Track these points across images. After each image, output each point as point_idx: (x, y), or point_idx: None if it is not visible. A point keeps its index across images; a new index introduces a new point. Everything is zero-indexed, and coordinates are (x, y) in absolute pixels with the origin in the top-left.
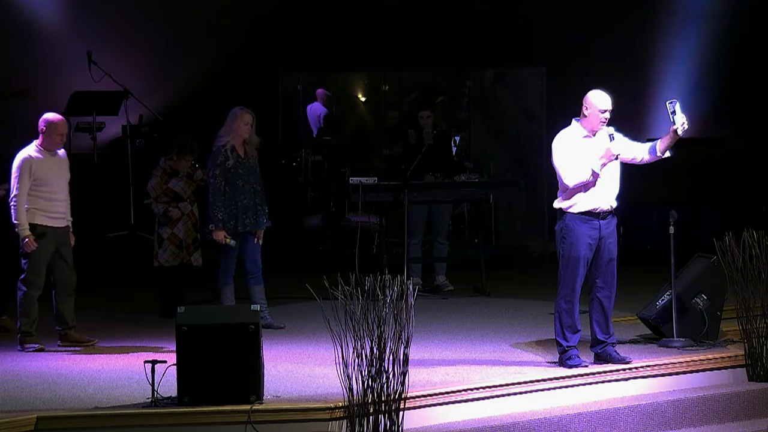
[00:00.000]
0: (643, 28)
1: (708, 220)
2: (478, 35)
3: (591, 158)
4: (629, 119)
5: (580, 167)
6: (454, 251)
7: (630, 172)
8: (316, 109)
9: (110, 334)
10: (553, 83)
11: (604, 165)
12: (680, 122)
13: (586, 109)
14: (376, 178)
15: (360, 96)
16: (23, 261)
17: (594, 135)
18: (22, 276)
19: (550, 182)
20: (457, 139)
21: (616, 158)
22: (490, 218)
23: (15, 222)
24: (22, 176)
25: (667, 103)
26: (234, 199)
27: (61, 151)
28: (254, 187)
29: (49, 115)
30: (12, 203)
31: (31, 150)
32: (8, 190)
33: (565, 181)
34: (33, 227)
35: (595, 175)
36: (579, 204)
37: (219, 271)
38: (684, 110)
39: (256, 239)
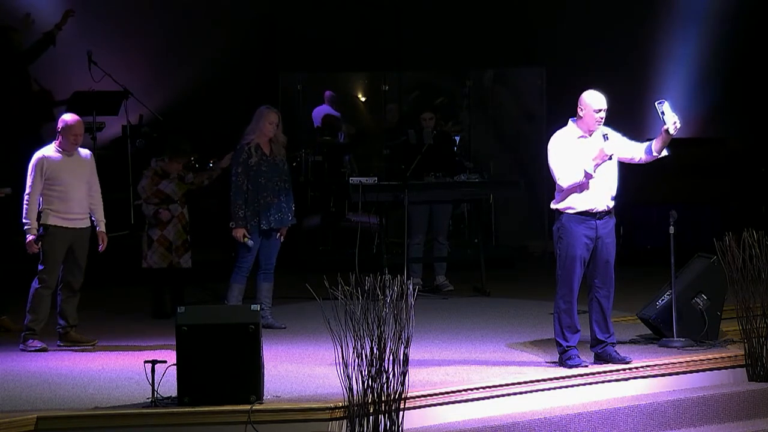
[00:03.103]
0: (643, 28)
1: (708, 220)
2: (478, 35)
3: (587, 158)
4: (629, 119)
5: (573, 168)
6: (454, 251)
7: (630, 171)
8: (322, 112)
9: (110, 334)
10: (553, 83)
11: (597, 166)
12: (671, 122)
13: (581, 109)
14: (376, 178)
15: (360, 96)
16: (40, 259)
17: (590, 135)
18: (39, 273)
19: (550, 182)
20: (457, 139)
21: (610, 158)
22: (490, 218)
23: (24, 221)
24: (35, 175)
25: (656, 104)
26: (257, 196)
27: (85, 152)
28: (279, 184)
29: (66, 116)
30: (24, 201)
31: (47, 150)
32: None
33: (559, 182)
34: (45, 228)
35: (588, 176)
36: (575, 204)
37: (234, 266)
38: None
39: (279, 235)
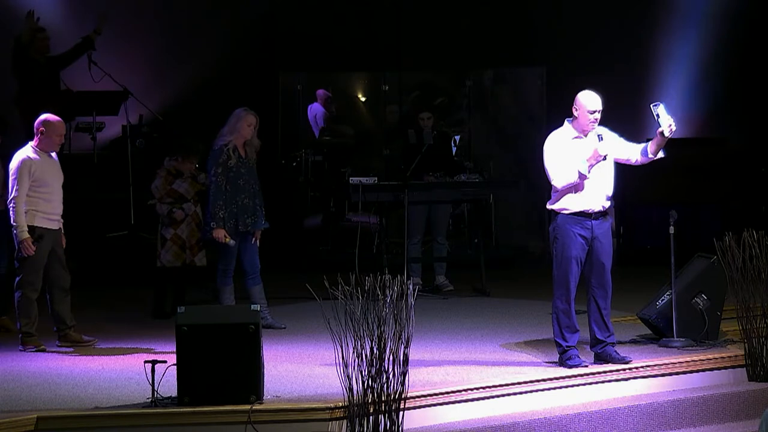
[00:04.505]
0: (643, 28)
1: (708, 220)
2: (478, 35)
3: (581, 159)
4: (629, 119)
5: (568, 169)
6: (454, 251)
7: (630, 171)
8: (314, 110)
9: (110, 334)
10: (553, 83)
11: (591, 166)
12: (666, 124)
13: (576, 110)
14: (376, 178)
15: (360, 96)
16: (17, 263)
17: (585, 135)
18: (19, 278)
19: (549, 182)
20: (457, 139)
21: (605, 159)
22: (490, 218)
23: (14, 224)
24: (22, 178)
25: (651, 106)
26: (235, 198)
27: (53, 153)
28: (254, 187)
29: (48, 116)
30: (11, 205)
31: (28, 151)
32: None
33: (553, 183)
34: (32, 229)
35: (582, 177)
36: (570, 205)
37: (218, 271)
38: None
39: (254, 239)
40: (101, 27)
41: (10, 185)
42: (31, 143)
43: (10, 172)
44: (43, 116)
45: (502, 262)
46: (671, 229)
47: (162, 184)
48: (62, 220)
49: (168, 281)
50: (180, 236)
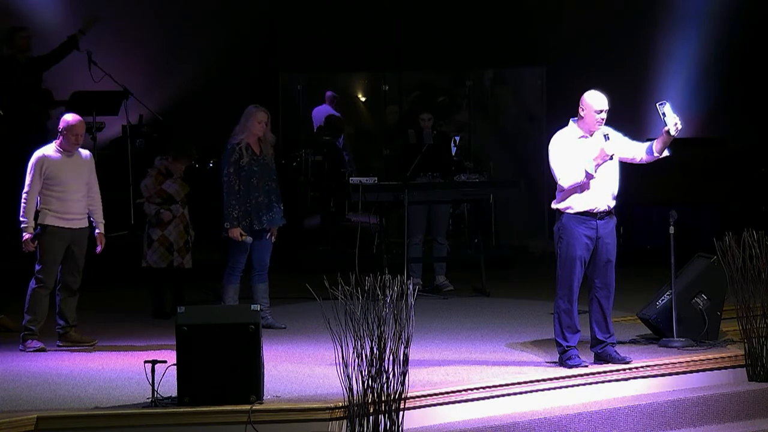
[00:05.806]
0: (643, 28)
1: (708, 220)
2: (478, 35)
3: (588, 158)
4: (629, 119)
5: (574, 168)
6: (454, 251)
7: (630, 171)
8: (323, 111)
9: (110, 334)
10: (553, 83)
11: (598, 166)
12: (672, 123)
13: (582, 109)
14: (376, 178)
15: (360, 96)
16: (37, 258)
17: (591, 135)
18: (36, 273)
19: (550, 182)
20: (457, 139)
21: (611, 158)
22: (490, 218)
23: (21, 218)
24: (33, 174)
25: (657, 105)
26: (248, 196)
27: (85, 152)
28: (269, 184)
29: (67, 116)
30: (22, 199)
31: (47, 149)
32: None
33: (560, 182)
34: (43, 227)
35: (589, 176)
36: (575, 204)
37: (226, 268)
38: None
39: (269, 235)
40: (87, 27)
41: (25, 181)
42: (56, 141)
43: (28, 169)
44: (64, 116)
45: (502, 262)
46: (671, 229)
47: (152, 183)
48: (102, 221)
49: (164, 281)
50: (167, 238)
